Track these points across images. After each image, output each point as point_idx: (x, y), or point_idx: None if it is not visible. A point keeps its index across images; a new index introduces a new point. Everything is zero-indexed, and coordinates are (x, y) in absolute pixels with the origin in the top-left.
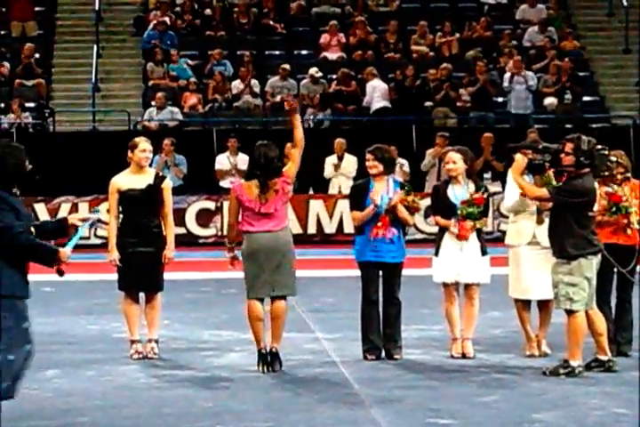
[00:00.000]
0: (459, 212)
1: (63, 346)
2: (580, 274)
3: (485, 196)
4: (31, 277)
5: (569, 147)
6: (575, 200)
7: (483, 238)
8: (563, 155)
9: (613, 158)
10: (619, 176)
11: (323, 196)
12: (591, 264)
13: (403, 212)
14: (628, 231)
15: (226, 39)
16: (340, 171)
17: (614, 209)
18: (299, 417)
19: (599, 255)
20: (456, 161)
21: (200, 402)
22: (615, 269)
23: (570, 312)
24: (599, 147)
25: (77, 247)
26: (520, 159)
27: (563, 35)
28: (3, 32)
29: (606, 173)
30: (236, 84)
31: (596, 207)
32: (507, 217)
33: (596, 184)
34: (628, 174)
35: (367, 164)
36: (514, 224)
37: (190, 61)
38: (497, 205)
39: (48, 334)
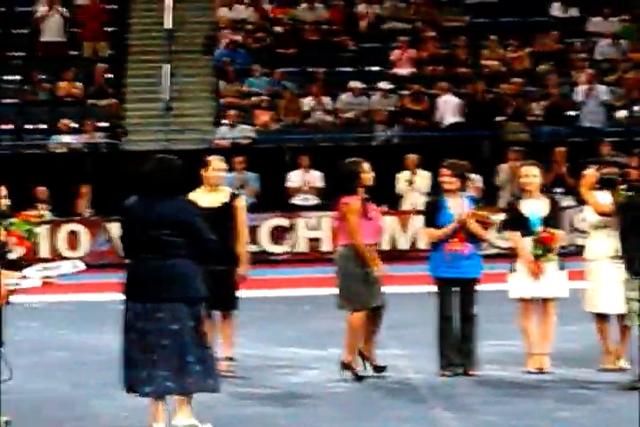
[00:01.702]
0: (532, 251)
1: None
2: None
3: (553, 235)
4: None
5: (635, 161)
6: (638, 214)
7: (557, 252)
8: (630, 169)
9: None
10: None
11: (396, 212)
12: None
13: (475, 227)
14: None
15: (297, 56)
16: (414, 187)
17: None
18: None
19: None
20: (536, 174)
21: (279, 420)
22: None
23: None
24: None
25: None
26: (589, 174)
27: (635, 47)
28: (75, 53)
29: None
30: (308, 102)
31: None
32: (582, 231)
33: None
34: None
35: (442, 179)
36: (594, 239)
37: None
38: (570, 220)
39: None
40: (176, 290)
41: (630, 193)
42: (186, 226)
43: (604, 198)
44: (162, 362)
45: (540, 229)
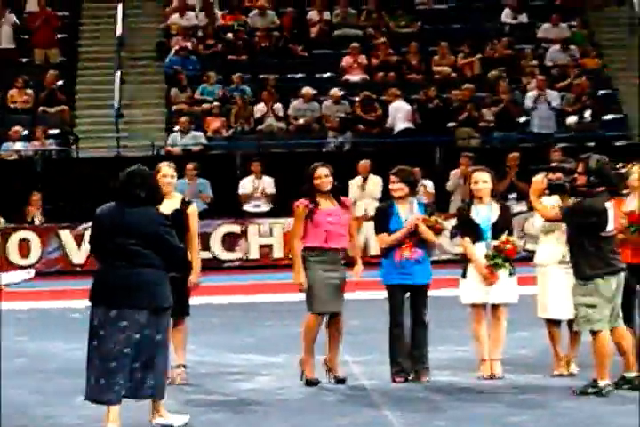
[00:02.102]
0: (488, 261)
1: None
2: (598, 295)
3: (516, 247)
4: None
5: (581, 167)
6: (585, 220)
7: (511, 260)
8: (577, 175)
9: (635, 172)
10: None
11: None
12: (609, 284)
13: (426, 232)
14: None
15: (248, 63)
16: (365, 193)
17: (633, 229)
18: None
19: (621, 274)
20: (486, 180)
21: (228, 426)
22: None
23: (593, 333)
24: (617, 165)
25: None
26: (538, 181)
27: (585, 53)
28: (25, 60)
29: (624, 192)
30: (259, 108)
31: (611, 226)
32: (532, 237)
33: (611, 203)
34: None
35: (391, 186)
36: (543, 244)
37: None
38: (522, 225)
39: (78, 360)
40: (141, 298)
41: (577, 199)
42: (153, 237)
43: (553, 204)
44: (121, 370)
45: (503, 238)
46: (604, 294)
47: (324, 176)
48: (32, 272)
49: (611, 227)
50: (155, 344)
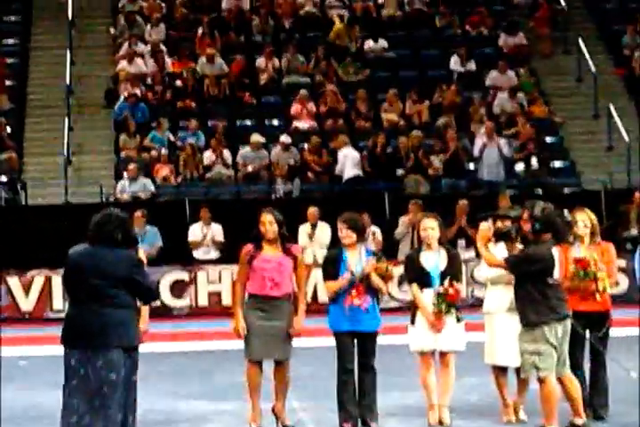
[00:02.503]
0: (433, 306)
1: (39, 420)
2: (544, 341)
3: (459, 291)
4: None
5: (526, 214)
6: (531, 268)
7: (457, 306)
8: (522, 222)
9: (580, 219)
10: (584, 239)
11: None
12: (555, 331)
13: (377, 280)
14: (597, 297)
15: (197, 110)
16: (314, 240)
17: (582, 274)
18: None
19: (567, 321)
20: (434, 227)
21: None
22: (586, 334)
23: (539, 379)
24: (562, 212)
25: (51, 320)
26: (484, 228)
27: (532, 100)
28: None
29: (570, 240)
30: (208, 155)
31: (556, 274)
32: (480, 283)
33: (557, 250)
34: (597, 238)
35: (340, 233)
36: (491, 292)
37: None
38: (471, 272)
39: (23, 408)
40: (113, 337)
41: (522, 246)
42: (128, 280)
43: (500, 252)
44: (102, 409)
45: (445, 283)
46: (550, 340)
47: (268, 223)
48: None
49: (557, 273)
50: (131, 384)
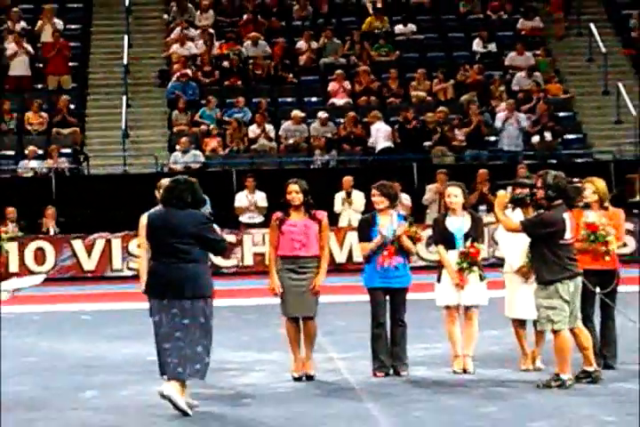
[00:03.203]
0: (457, 265)
1: (100, 369)
2: (558, 297)
3: (479, 251)
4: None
5: (539, 182)
6: (544, 231)
7: (480, 265)
8: (536, 189)
9: (589, 188)
10: (596, 205)
11: (333, 229)
12: (568, 288)
13: (407, 242)
14: (607, 257)
15: (242, 89)
16: (349, 206)
17: (592, 238)
18: (317, 424)
19: (578, 279)
20: (457, 195)
21: (225, 418)
22: (597, 290)
23: (554, 332)
24: (573, 180)
25: (110, 279)
26: (502, 195)
27: (548, 79)
28: (40, 86)
29: (580, 204)
30: (253, 129)
31: (568, 235)
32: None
33: (569, 215)
34: (605, 204)
35: (373, 199)
36: (511, 253)
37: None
38: (492, 234)
39: (87, 358)
40: (186, 289)
41: (538, 211)
42: (197, 235)
43: (517, 216)
44: (174, 351)
45: (467, 244)
46: (563, 296)
47: (294, 192)
48: (42, 278)
49: (568, 236)
50: (201, 327)
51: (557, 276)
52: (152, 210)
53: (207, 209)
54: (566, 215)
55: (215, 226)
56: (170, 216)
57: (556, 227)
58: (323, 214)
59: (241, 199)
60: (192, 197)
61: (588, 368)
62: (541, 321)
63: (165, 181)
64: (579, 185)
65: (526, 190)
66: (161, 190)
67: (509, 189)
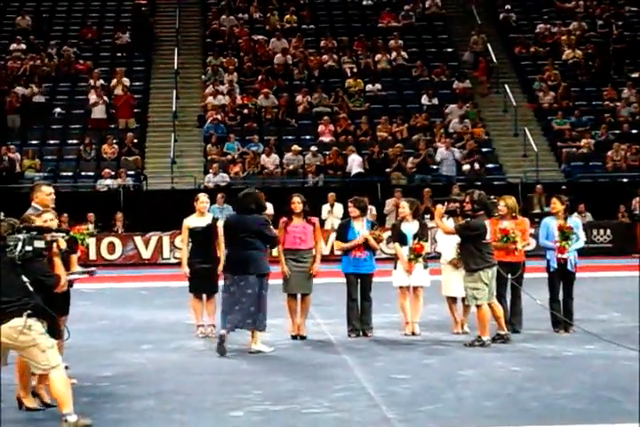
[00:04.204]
0: (407, 257)
1: (154, 329)
2: (480, 281)
3: (423, 247)
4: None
5: (467, 198)
6: (471, 233)
7: (424, 257)
8: (464, 203)
9: (502, 203)
10: (509, 215)
11: (322, 230)
12: (487, 274)
13: (371, 241)
14: (516, 253)
15: (257, 129)
16: (332, 214)
17: (505, 239)
18: (307, 370)
19: (494, 268)
20: (404, 207)
21: (242, 365)
22: (508, 276)
23: (477, 306)
24: (491, 197)
25: (161, 265)
26: (439, 208)
27: (474, 124)
28: (113, 126)
29: (496, 214)
30: (264, 158)
31: (489, 237)
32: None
33: (488, 222)
34: (514, 214)
35: (349, 209)
36: (445, 248)
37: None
38: (433, 235)
39: (144, 321)
40: (252, 268)
41: (465, 219)
42: (258, 232)
43: (450, 223)
44: (241, 311)
45: (415, 242)
46: (484, 280)
47: (296, 202)
48: (94, 269)
49: (487, 237)
50: (261, 296)
51: (480, 265)
52: (229, 215)
53: (270, 211)
54: (486, 222)
55: (271, 226)
56: (241, 219)
57: (480, 231)
58: (316, 219)
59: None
60: (256, 204)
61: (501, 332)
62: (468, 298)
63: (202, 195)
64: (495, 201)
65: (457, 204)
66: (199, 201)
67: (445, 203)
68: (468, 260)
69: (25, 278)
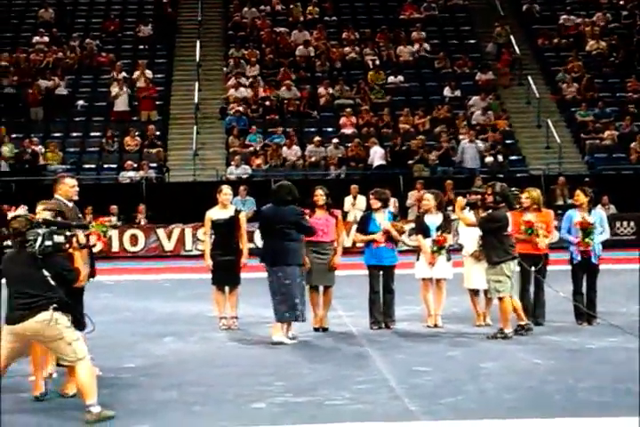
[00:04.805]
0: (430, 249)
1: (177, 321)
2: (502, 273)
3: (446, 239)
4: (156, 277)
5: (489, 190)
6: (493, 225)
7: (447, 249)
8: (486, 195)
9: (525, 195)
10: (532, 207)
11: (344, 223)
12: (509, 266)
13: (393, 232)
14: (539, 245)
15: (279, 121)
16: (355, 206)
17: (529, 231)
18: (329, 362)
19: (515, 260)
20: (430, 199)
21: (266, 357)
22: (532, 269)
23: (499, 298)
24: (512, 189)
25: (183, 257)
26: (460, 200)
27: (497, 116)
28: (135, 118)
29: (517, 207)
30: (286, 150)
31: (509, 229)
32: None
33: (509, 214)
34: (536, 206)
35: (371, 201)
36: (468, 240)
37: (260, 136)
38: (456, 228)
39: (167, 313)
40: (289, 259)
41: (487, 211)
42: (295, 223)
43: (471, 216)
44: (283, 302)
45: (437, 234)
46: (506, 273)
47: (319, 195)
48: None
49: (509, 229)
50: (299, 285)
51: (502, 258)
52: (265, 207)
53: (252, 206)
54: (508, 214)
55: (307, 217)
56: (277, 210)
57: (502, 223)
58: (338, 212)
59: None
60: (292, 196)
61: (522, 322)
62: (491, 291)
63: (225, 187)
64: (516, 193)
65: (478, 196)
66: (222, 193)
67: (466, 195)
68: (491, 252)
69: (46, 273)
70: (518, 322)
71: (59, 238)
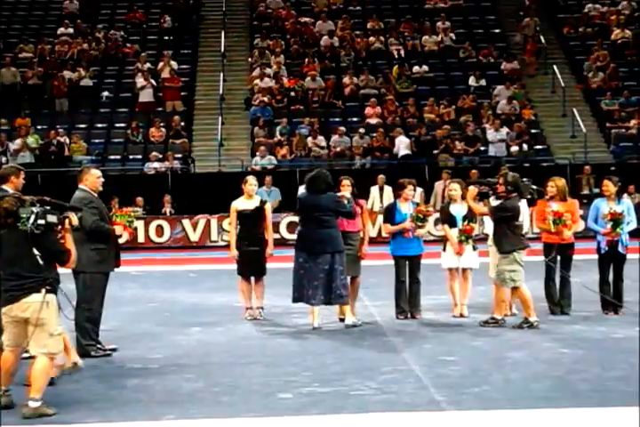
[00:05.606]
0: (457, 239)
1: (203, 311)
2: (515, 262)
3: (473, 229)
4: (182, 268)
5: (501, 180)
6: (504, 215)
7: (474, 239)
8: (498, 185)
9: (551, 184)
10: (557, 197)
11: (369, 213)
12: (521, 255)
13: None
14: (565, 234)
15: (304, 111)
16: (382, 196)
17: (557, 221)
18: (355, 352)
19: (526, 250)
20: (456, 189)
21: (292, 348)
22: (558, 258)
23: (514, 288)
24: (524, 179)
25: (209, 247)
26: (471, 190)
27: (522, 105)
28: (160, 109)
29: (529, 197)
30: (310, 140)
31: (520, 218)
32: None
33: (520, 203)
34: (563, 195)
35: (408, 191)
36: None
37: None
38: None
39: (193, 304)
40: (328, 246)
41: (497, 201)
42: (333, 210)
43: (482, 205)
44: (320, 287)
45: (464, 223)
46: (519, 261)
47: (345, 185)
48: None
49: (520, 218)
50: (338, 271)
51: (514, 246)
52: (301, 194)
53: (278, 197)
54: (520, 204)
55: (346, 201)
56: (314, 198)
57: (513, 212)
58: (363, 202)
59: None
60: (327, 184)
61: (497, 316)
62: (506, 281)
63: (251, 177)
64: (528, 183)
65: (488, 187)
66: (247, 184)
67: (475, 186)
68: (502, 241)
69: (36, 252)
70: (493, 314)
71: (52, 218)
